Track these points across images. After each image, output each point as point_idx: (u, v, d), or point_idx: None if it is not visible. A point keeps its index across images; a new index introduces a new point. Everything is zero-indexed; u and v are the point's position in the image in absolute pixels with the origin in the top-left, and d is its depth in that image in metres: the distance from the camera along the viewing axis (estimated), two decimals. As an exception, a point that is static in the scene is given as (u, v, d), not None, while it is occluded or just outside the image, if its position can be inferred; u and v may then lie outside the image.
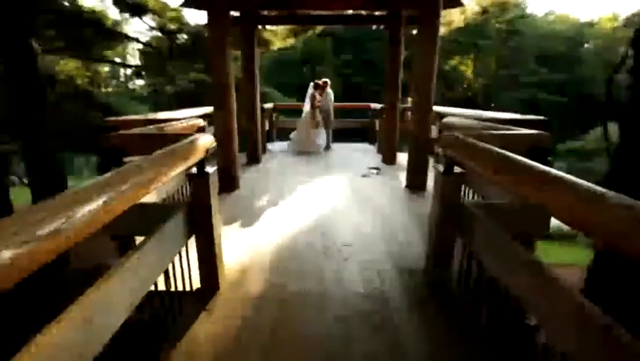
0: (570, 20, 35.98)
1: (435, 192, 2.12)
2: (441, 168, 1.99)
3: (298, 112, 7.87)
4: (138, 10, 9.66)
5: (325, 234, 2.98)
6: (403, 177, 4.95)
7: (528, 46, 29.01)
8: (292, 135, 7.43)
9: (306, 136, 7.16)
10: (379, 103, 8.90)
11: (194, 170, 1.85)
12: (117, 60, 15.91)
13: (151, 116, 3.85)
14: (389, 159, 5.94)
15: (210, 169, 1.90)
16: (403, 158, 6.34)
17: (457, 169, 1.94)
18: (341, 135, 8.09)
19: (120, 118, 2.99)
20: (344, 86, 24.09)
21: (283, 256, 2.62)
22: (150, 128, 2.45)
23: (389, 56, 5.52)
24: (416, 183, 4.27)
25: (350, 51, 28.34)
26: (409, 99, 5.56)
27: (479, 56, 30.12)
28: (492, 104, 29.41)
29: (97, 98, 8.33)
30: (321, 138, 7.29)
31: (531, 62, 28.95)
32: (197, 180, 1.90)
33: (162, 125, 2.50)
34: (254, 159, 6.00)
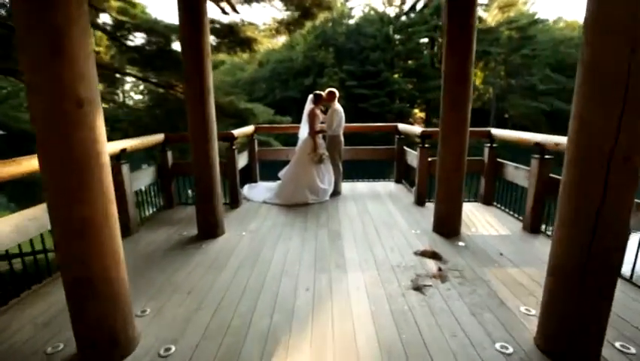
0: (580, 26, 34.25)
1: None
2: None
3: (293, 137, 5.33)
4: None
5: None
6: (501, 289, 2.34)
7: (541, 53, 27.39)
8: (282, 174, 4.85)
9: (303, 177, 4.58)
10: (388, 118, 6.52)
11: None
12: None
13: None
14: (447, 225, 3.34)
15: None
16: (473, 222, 3.60)
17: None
18: (348, 169, 5.42)
19: None
20: (347, 99, 21.86)
21: None
22: None
23: (450, 44, 3.00)
24: (570, 343, 1.65)
25: (353, 62, 26.47)
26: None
27: (489, 65, 28.93)
28: (506, 115, 27.49)
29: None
30: (326, 179, 4.72)
31: (545, 70, 27.15)
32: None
33: None
34: (208, 232, 3.38)
